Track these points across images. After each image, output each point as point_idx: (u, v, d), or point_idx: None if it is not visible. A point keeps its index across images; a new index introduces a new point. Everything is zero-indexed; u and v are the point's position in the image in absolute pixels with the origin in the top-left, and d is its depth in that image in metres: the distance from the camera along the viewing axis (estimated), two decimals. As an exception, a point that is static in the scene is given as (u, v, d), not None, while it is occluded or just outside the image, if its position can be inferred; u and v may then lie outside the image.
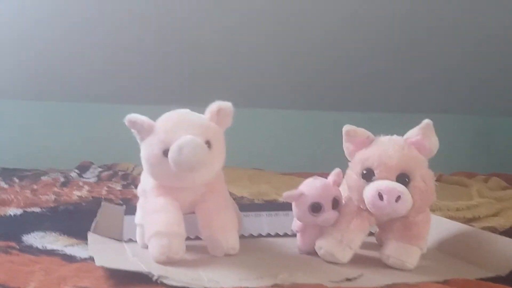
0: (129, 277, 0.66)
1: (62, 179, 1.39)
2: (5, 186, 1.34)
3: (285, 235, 0.95)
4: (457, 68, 2.14)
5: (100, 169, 1.62)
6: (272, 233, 0.96)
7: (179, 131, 0.75)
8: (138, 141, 0.79)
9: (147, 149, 0.77)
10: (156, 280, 0.65)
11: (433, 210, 1.19)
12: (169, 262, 0.74)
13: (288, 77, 2.10)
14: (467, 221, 1.17)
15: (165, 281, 0.65)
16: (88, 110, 2.03)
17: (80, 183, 1.37)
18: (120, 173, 1.57)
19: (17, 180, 1.43)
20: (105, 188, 1.34)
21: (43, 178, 1.47)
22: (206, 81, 1.95)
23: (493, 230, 1.04)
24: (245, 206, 1.03)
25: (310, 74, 2.10)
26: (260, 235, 0.96)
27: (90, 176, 1.57)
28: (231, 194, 1.29)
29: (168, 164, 0.73)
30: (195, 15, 1.83)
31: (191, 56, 1.95)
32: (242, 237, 0.94)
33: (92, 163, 1.69)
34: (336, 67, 2.09)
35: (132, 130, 0.78)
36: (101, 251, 0.80)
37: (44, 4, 1.72)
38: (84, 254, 0.79)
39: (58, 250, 0.82)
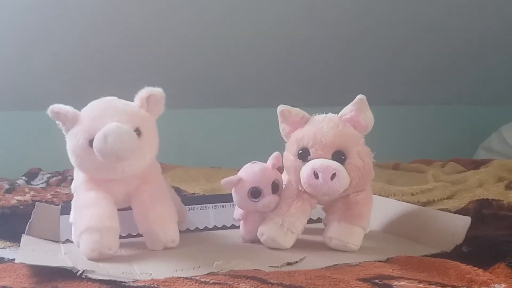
0: (54, 274, 0.62)
1: (7, 186, 1.34)
2: None
3: (233, 226, 0.92)
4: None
5: (49, 175, 1.56)
6: (219, 225, 0.93)
7: (104, 119, 0.71)
8: (64, 133, 0.75)
9: (72, 140, 0.73)
10: (81, 274, 0.61)
11: (387, 195, 1.18)
12: (101, 258, 0.71)
13: (242, 77, 2.07)
14: (422, 205, 1.15)
15: (90, 275, 0.61)
16: (37, 118, 1.96)
17: (26, 189, 1.32)
18: (69, 177, 1.52)
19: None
20: (52, 192, 1.28)
21: (-14, 186, 1.41)
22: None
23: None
24: (190, 199, 1.00)
25: (259, 72, 2.08)
26: (206, 228, 0.93)
27: (39, 182, 1.51)
28: (183, 191, 1.27)
29: (95, 154, 0.70)
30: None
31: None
32: (187, 231, 0.91)
33: (41, 170, 1.63)
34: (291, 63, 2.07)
35: (57, 122, 0.74)
36: (30, 251, 0.76)
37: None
38: (13, 256, 0.75)
39: (-13, 253, 0.78)
